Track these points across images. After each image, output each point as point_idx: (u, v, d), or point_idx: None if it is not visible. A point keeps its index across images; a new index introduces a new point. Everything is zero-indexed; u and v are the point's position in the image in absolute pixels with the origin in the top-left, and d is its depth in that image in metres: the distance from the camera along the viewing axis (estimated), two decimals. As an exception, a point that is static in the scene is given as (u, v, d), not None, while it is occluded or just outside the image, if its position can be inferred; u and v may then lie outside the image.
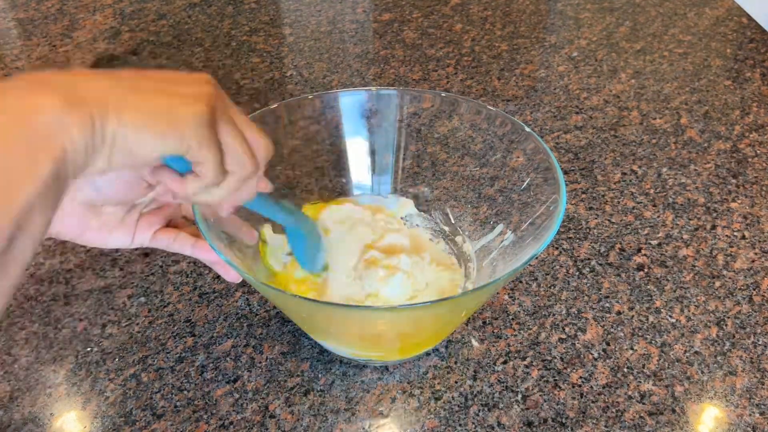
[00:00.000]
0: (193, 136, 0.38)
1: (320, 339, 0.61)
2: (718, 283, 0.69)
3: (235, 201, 0.48)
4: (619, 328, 0.65)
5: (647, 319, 0.65)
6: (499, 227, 0.64)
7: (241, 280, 0.58)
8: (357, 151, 0.70)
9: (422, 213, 0.70)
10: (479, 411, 0.58)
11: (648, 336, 0.64)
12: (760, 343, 0.63)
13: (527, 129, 0.62)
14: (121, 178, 0.47)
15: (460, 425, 0.57)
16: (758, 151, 0.87)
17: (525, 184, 0.63)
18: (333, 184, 0.70)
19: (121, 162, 0.37)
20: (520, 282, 0.69)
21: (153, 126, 0.37)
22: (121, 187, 0.47)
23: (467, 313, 0.60)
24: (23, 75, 0.35)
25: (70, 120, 0.33)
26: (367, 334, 0.58)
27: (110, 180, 0.47)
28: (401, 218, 0.70)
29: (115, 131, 0.35)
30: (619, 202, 0.79)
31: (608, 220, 0.77)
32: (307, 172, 0.69)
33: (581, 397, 0.59)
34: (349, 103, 0.68)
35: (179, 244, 0.54)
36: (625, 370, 0.61)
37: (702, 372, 0.61)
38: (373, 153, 0.70)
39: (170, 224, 0.55)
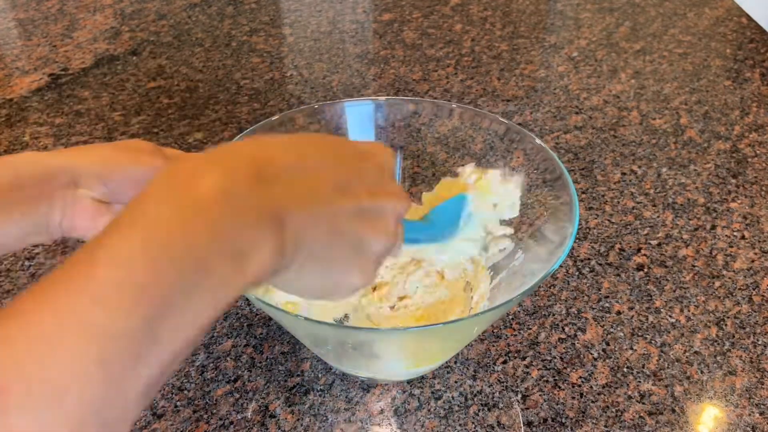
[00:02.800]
0: (360, 284, 0.39)
1: (319, 353, 0.60)
2: (717, 283, 0.69)
3: None
4: (618, 328, 0.65)
5: (647, 319, 0.66)
6: (509, 245, 0.63)
7: None
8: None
9: None
10: (479, 411, 0.58)
11: (648, 336, 0.64)
12: (759, 343, 0.63)
13: (538, 141, 0.62)
14: (131, 179, 0.47)
15: (460, 425, 0.57)
16: (758, 151, 0.87)
17: (527, 185, 0.63)
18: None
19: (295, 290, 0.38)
20: (520, 282, 0.69)
21: (324, 287, 0.38)
22: (133, 188, 0.47)
23: (479, 330, 0.60)
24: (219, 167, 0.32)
25: (266, 254, 0.31)
26: (373, 355, 0.57)
27: (121, 182, 0.47)
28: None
29: (298, 270, 0.34)
30: (619, 202, 0.79)
31: (608, 220, 0.77)
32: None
33: (581, 397, 0.59)
34: (352, 112, 0.68)
35: None
36: (625, 370, 0.61)
37: (702, 372, 0.61)
38: None
39: None
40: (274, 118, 0.65)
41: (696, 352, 0.63)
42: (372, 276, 0.40)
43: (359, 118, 0.69)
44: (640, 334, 0.64)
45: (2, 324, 0.26)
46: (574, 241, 0.74)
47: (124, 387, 0.26)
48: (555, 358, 0.62)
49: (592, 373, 0.61)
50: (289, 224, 0.33)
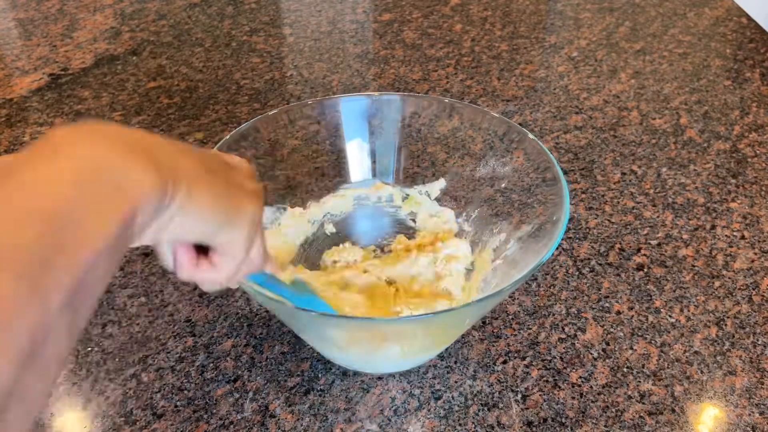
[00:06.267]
0: (245, 231, 0.39)
1: (314, 345, 0.60)
2: (717, 283, 0.69)
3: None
4: (618, 328, 0.65)
5: (647, 319, 0.66)
6: (502, 236, 0.64)
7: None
8: (357, 151, 0.70)
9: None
10: (479, 411, 0.58)
11: (648, 336, 0.64)
12: (759, 343, 0.63)
13: (531, 136, 0.62)
14: None
15: (460, 425, 0.57)
16: (758, 151, 0.87)
17: (525, 184, 0.63)
18: (333, 184, 0.70)
19: (172, 236, 0.36)
20: (520, 282, 0.69)
21: (216, 210, 0.37)
22: None
23: (471, 321, 0.60)
24: (92, 126, 0.33)
25: (145, 177, 0.32)
26: (368, 343, 0.57)
27: None
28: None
29: (182, 202, 0.34)
30: (618, 202, 0.79)
31: (608, 220, 0.77)
32: (306, 172, 0.69)
33: (581, 397, 0.59)
34: (350, 108, 0.68)
35: None
36: (625, 369, 0.61)
37: (702, 372, 0.61)
38: (373, 153, 0.70)
39: None
40: (272, 112, 0.66)
41: (696, 352, 0.63)
42: (260, 204, 0.41)
43: (355, 116, 0.69)
44: (640, 334, 0.64)
45: None
46: (575, 242, 0.74)
47: (39, 293, 0.27)
48: (555, 358, 0.62)
49: (592, 373, 0.61)
50: (162, 158, 0.34)
